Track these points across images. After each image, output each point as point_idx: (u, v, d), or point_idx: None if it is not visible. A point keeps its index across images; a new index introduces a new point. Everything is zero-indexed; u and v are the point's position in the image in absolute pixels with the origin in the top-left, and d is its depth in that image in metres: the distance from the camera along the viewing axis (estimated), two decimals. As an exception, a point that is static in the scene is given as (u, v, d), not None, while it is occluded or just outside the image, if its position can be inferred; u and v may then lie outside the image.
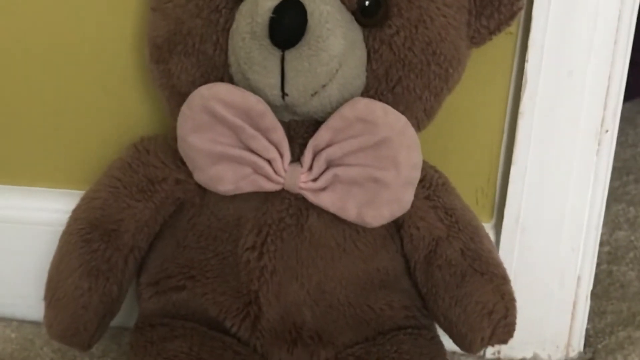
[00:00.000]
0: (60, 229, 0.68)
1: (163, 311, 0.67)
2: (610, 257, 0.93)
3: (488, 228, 0.74)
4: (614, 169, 0.77)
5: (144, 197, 0.66)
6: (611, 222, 0.99)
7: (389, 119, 0.60)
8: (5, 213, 0.77)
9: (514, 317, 0.65)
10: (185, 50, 0.63)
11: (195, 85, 0.62)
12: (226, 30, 0.61)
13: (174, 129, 0.64)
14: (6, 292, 0.79)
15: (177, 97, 0.64)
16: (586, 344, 0.79)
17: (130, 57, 0.72)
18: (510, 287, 0.66)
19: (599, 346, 0.79)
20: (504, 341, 0.66)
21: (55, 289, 0.65)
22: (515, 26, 0.70)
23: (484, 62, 0.70)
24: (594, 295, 0.81)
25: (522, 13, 0.66)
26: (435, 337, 0.68)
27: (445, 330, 0.67)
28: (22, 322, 0.79)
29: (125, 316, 0.72)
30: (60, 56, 0.73)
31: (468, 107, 0.72)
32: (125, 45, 0.72)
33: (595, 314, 0.82)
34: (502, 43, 0.70)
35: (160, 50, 0.64)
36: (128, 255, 0.66)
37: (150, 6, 0.65)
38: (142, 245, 0.67)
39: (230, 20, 0.61)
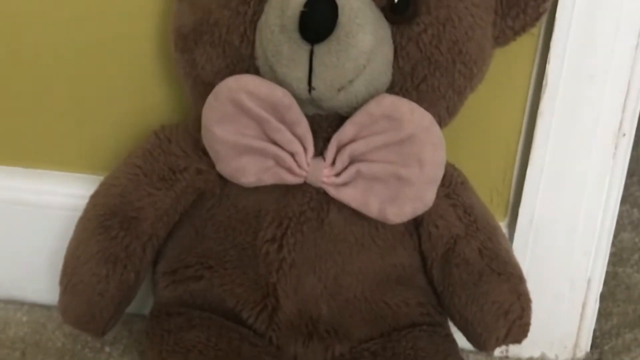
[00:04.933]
0: (73, 213, 0.68)
1: (179, 300, 0.67)
2: (615, 258, 0.93)
3: (501, 227, 0.74)
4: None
5: (165, 185, 0.66)
6: (616, 224, 0.99)
7: (415, 116, 0.60)
8: (19, 195, 0.76)
9: (529, 317, 0.66)
10: (211, 40, 0.62)
11: (219, 75, 0.62)
12: (254, 22, 0.61)
13: (197, 118, 0.64)
14: (18, 276, 0.78)
15: (201, 86, 0.64)
16: (593, 345, 0.79)
17: (153, 44, 0.72)
18: (526, 288, 0.66)
19: (606, 347, 0.79)
20: (518, 341, 0.66)
21: (72, 274, 0.65)
22: (538, 27, 0.70)
23: (505, 61, 0.70)
24: (600, 296, 0.81)
25: (545, 15, 0.66)
26: (450, 335, 0.69)
27: (459, 328, 0.68)
28: (33, 306, 0.78)
29: (137, 303, 0.71)
30: (82, 41, 0.72)
31: (487, 106, 0.72)
32: (148, 31, 0.72)
33: (601, 315, 0.82)
34: (524, 43, 0.70)
35: (185, 40, 0.64)
36: (146, 243, 0.66)
37: (177, -5, 0.65)
38: (161, 233, 0.67)
39: (258, 12, 0.61)
